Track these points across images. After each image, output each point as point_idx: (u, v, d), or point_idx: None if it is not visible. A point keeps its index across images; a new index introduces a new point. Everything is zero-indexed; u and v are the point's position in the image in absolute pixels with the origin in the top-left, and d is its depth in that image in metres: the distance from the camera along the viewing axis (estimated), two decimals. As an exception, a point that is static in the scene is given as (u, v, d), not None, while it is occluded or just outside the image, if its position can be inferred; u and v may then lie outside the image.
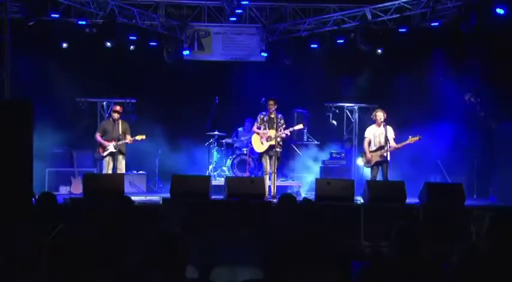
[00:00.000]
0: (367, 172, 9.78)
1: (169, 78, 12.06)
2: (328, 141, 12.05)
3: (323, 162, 11.52)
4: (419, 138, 9.03)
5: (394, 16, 11.07)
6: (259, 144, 9.67)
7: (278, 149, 9.50)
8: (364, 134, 9.61)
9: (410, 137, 9.03)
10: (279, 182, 10.37)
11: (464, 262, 3.37)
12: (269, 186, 9.28)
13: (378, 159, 9.26)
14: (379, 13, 11.20)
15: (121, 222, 4.32)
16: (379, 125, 9.31)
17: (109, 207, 4.68)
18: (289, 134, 9.55)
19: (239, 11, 11.80)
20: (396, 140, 9.23)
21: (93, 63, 11.56)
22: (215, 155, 11.29)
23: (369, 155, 9.32)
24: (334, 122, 12.04)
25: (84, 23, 10.88)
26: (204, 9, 12.24)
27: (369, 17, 11.20)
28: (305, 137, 12.00)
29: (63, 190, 10.49)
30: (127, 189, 9.11)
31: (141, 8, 11.63)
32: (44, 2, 10.35)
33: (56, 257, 2.74)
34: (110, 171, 9.38)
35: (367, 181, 8.45)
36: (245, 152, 11.00)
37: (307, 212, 4.86)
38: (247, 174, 10.66)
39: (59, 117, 11.11)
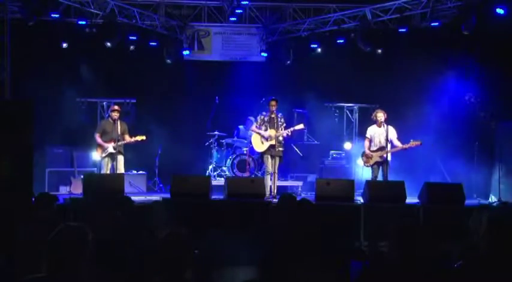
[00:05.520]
0: (367, 172, 9.78)
1: (169, 78, 12.07)
2: (328, 141, 12.05)
3: (323, 162, 11.51)
4: (420, 143, 9.07)
5: (394, 16, 11.06)
6: (259, 144, 9.62)
7: (280, 149, 9.45)
8: (365, 133, 9.64)
9: (411, 140, 9.06)
10: (279, 182, 10.36)
11: (464, 262, 3.37)
12: (270, 186, 9.26)
13: (378, 159, 9.27)
14: (379, 13, 11.20)
15: (121, 223, 4.32)
16: (379, 125, 9.33)
17: (109, 207, 4.68)
18: (290, 134, 9.48)
19: (239, 11, 11.82)
20: (399, 140, 9.26)
21: (93, 63, 11.56)
22: (215, 155, 11.28)
23: (368, 153, 9.34)
24: (335, 119, 12.09)
25: (84, 23, 10.85)
26: (204, 9, 12.25)
27: (369, 17, 11.19)
28: (305, 137, 12.01)
29: (63, 190, 10.46)
30: (127, 189, 9.09)
31: (141, 8, 11.64)
32: (44, 2, 10.35)
33: (56, 257, 2.74)
34: (108, 172, 9.37)
35: (367, 181, 8.46)
36: (245, 152, 10.99)
37: (307, 212, 4.86)
38: (247, 174, 10.65)
39: (59, 118, 11.10)
